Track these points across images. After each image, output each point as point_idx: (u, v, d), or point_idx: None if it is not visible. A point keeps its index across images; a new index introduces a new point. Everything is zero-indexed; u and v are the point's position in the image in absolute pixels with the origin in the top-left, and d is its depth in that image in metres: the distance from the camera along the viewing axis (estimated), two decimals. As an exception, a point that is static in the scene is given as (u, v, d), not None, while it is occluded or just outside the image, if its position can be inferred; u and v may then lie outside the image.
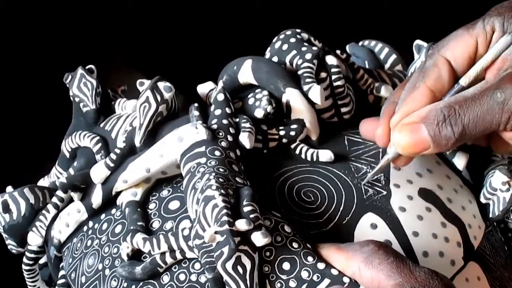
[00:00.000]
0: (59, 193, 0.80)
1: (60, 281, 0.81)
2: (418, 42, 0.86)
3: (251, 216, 0.64)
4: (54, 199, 0.80)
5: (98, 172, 0.75)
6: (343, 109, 0.80)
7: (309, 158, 0.75)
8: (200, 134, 0.72)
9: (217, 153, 0.71)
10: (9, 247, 0.85)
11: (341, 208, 0.71)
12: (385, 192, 0.73)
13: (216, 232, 0.63)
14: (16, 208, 0.81)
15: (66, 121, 0.87)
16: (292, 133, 0.76)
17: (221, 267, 0.63)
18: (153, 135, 0.76)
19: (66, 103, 0.87)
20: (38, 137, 1.06)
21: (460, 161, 0.78)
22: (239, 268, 0.62)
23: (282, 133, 0.76)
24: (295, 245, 0.65)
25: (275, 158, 0.76)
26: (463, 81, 0.67)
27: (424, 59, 0.70)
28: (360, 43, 0.96)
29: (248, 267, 0.63)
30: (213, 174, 0.68)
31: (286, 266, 0.64)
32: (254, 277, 0.63)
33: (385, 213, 0.71)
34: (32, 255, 0.86)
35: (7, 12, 1.23)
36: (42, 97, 1.19)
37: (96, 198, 0.76)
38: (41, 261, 0.88)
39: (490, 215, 0.78)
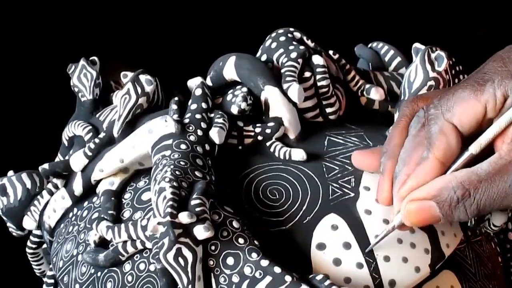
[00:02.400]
0: (54, 179, 0.82)
1: (50, 265, 0.83)
2: (416, 45, 0.84)
3: (197, 209, 0.65)
4: (49, 185, 0.82)
5: (77, 160, 0.77)
6: (328, 110, 0.79)
7: (281, 157, 0.75)
8: (169, 127, 0.73)
9: (183, 146, 0.71)
10: (10, 229, 0.88)
11: (304, 208, 0.71)
12: (352, 194, 0.72)
13: (159, 223, 0.64)
14: (13, 192, 0.83)
15: (70, 113, 0.89)
16: (268, 130, 0.76)
17: (163, 258, 0.63)
18: (131, 126, 0.77)
19: (69, 96, 0.89)
20: (44, 126, 1.09)
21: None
22: (180, 260, 0.63)
23: (258, 130, 0.76)
24: (241, 240, 0.65)
25: (249, 154, 0.76)
26: (473, 149, 0.64)
27: (424, 117, 0.66)
28: (369, 45, 0.95)
29: (190, 259, 0.63)
30: (172, 166, 0.69)
31: (230, 261, 0.65)
32: (196, 269, 0.64)
33: (348, 215, 0.70)
34: (36, 239, 0.89)
35: (8, 10, 1.27)
36: (45, 90, 1.22)
37: (77, 186, 0.78)
38: (48, 246, 0.91)
39: (468, 224, 0.75)
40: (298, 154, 0.74)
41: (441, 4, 1.37)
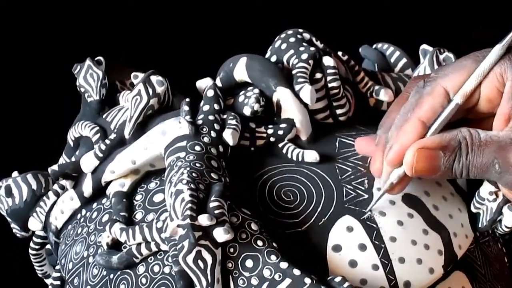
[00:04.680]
0: (61, 181, 0.82)
1: (57, 267, 0.83)
2: (424, 46, 0.85)
3: (216, 211, 0.64)
4: (55, 186, 0.82)
5: (88, 162, 0.77)
6: (339, 111, 0.79)
7: (294, 158, 0.75)
8: (183, 129, 0.72)
9: (197, 148, 0.71)
10: (14, 230, 0.87)
11: (319, 209, 0.71)
12: (366, 196, 0.72)
13: (178, 226, 0.63)
14: (18, 193, 0.83)
15: (75, 115, 0.89)
16: (280, 132, 0.76)
17: (182, 261, 0.63)
18: (142, 127, 0.77)
19: (75, 96, 0.89)
20: (50, 127, 1.08)
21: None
22: (200, 263, 0.63)
23: (270, 131, 0.76)
24: (259, 243, 0.65)
25: (262, 156, 0.76)
26: (459, 99, 0.65)
27: (423, 85, 0.68)
28: (374, 46, 0.95)
29: (209, 262, 0.63)
30: (188, 168, 0.68)
31: (249, 263, 0.65)
32: (215, 272, 0.63)
33: (363, 217, 0.71)
34: (39, 240, 0.89)
35: (10, 10, 1.26)
36: (51, 90, 1.22)
37: (87, 187, 0.77)
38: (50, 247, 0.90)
39: (479, 225, 0.76)
40: (311, 156, 0.75)
41: (442, 4, 1.37)
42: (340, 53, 0.82)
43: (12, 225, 0.86)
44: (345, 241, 0.69)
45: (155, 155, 0.74)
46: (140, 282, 0.70)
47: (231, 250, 0.65)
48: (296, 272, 0.64)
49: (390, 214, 0.71)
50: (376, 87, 0.82)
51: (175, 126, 0.73)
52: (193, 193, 0.65)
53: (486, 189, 0.74)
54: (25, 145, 1.19)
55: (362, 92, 0.83)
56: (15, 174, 0.85)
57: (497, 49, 0.65)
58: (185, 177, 0.67)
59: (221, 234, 0.63)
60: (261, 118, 0.77)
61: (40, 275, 0.93)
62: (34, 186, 0.83)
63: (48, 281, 0.87)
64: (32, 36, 1.28)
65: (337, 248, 0.69)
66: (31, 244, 0.89)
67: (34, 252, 0.90)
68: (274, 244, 0.66)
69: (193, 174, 0.68)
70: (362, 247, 0.69)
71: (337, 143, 0.78)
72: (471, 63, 0.65)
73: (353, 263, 0.68)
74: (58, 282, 0.83)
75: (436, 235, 0.72)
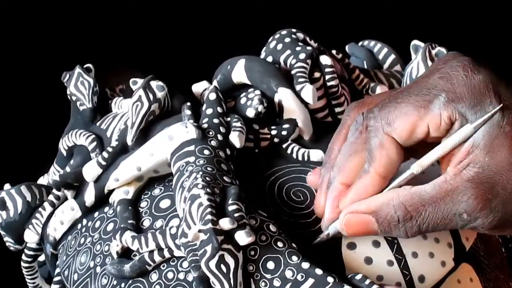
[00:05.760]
0: (56, 191, 0.80)
1: (56, 279, 0.82)
2: (415, 42, 0.86)
3: (236, 215, 0.64)
4: (51, 197, 0.81)
5: (90, 170, 0.76)
6: (337, 109, 0.80)
7: (300, 158, 0.75)
8: (190, 133, 0.72)
9: (206, 152, 0.71)
10: (7, 244, 0.85)
11: (330, 209, 0.71)
12: (375, 192, 0.73)
13: (200, 231, 0.63)
14: (13, 206, 0.81)
15: (65, 121, 0.88)
16: (284, 132, 0.76)
17: (205, 266, 0.63)
18: (145, 133, 0.76)
19: (65, 103, 0.87)
20: (38, 136, 1.07)
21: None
22: (223, 267, 0.63)
23: (274, 132, 0.76)
24: (280, 244, 0.65)
25: (267, 157, 0.76)
26: (415, 169, 0.63)
27: (362, 125, 0.64)
28: (360, 43, 0.96)
29: (232, 266, 0.63)
30: (201, 173, 0.68)
31: (270, 265, 0.64)
32: (238, 276, 0.63)
33: (373, 213, 0.71)
34: (31, 253, 0.87)
35: (8, 11, 1.24)
36: (41, 97, 1.20)
37: (89, 196, 0.76)
38: (41, 259, 0.89)
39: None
40: (317, 155, 0.75)
41: (440, 3, 1.39)
42: (334, 52, 0.83)
43: (6, 239, 0.85)
44: (359, 238, 0.70)
45: (161, 160, 0.73)
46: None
47: (252, 253, 0.65)
48: (318, 271, 0.64)
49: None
50: (372, 84, 0.82)
51: (181, 131, 0.72)
52: (210, 197, 0.65)
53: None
54: (13, 155, 1.17)
55: (358, 90, 0.83)
56: (7, 186, 0.83)
57: (467, 129, 0.60)
58: (199, 181, 0.67)
59: (243, 237, 0.63)
60: (263, 119, 0.77)
61: (31, 288, 0.92)
62: (29, 198, 0.81)
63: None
64: (31, 37, 1.26)
65: (352, 246, 0.69)
66: (23, 257, 0.88)
67: (26, 265, 0.88)
68: (294, 245, 0.66)
69: (207, 178, 0.67)
70: (376, 244, 0.69)
71: None
72: (413, 110, 0.61)
73: (368, 260, 0.69)
74: None
75: (445, 229, 0.73)
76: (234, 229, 0.63)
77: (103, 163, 0.75)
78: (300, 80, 0.76)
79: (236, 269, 0.63)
